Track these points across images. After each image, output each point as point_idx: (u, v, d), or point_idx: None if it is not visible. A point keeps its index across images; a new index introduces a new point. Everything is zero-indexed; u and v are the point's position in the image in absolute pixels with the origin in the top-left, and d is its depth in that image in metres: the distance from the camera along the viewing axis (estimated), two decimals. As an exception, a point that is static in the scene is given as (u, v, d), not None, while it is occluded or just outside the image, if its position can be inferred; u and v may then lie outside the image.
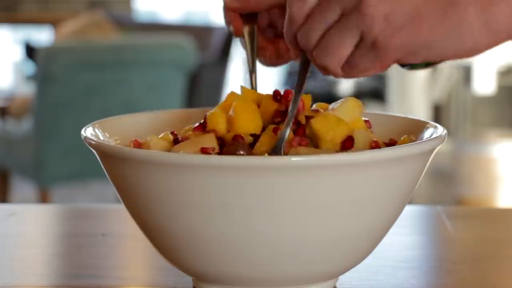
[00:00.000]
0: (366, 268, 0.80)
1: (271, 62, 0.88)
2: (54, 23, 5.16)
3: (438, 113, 4.87)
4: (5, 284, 0.81)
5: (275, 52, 0.87)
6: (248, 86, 0.82)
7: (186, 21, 6.02)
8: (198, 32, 4.22)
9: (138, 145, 0.76)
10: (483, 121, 5.09)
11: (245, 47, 0.86)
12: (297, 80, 0.72)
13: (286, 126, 0.71)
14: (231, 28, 0.86)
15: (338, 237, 0.69)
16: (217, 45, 4.12)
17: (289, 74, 5.29)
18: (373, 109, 4.77)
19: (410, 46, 0.64)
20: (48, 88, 3.20)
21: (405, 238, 0.95)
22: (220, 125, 0.74)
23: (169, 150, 0.73)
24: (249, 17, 0.86)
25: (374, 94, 4.85)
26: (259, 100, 0.77)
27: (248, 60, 0.86)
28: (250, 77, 0.85)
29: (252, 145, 0.73)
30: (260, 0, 0.84)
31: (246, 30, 0.86)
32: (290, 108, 0.72)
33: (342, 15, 0.65)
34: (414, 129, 0.79)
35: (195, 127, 0.76)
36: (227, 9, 0.85)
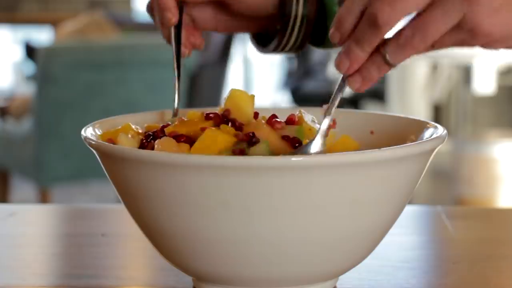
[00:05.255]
0: (366, 268, 0.80)
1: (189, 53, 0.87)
2: (54, 23, 5.16)
3: (438, 113, 4.87)
4: (5, 284, 0.81)
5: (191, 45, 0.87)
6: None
7: (186, 21, 6.00)
8: (198, 32, 4.21)
9: (111, 141, 0.76)
10: (483, 121, 5.09)
11: (173, 41, 0.85)
12: (333, 95, 0.70)
13: (320, 136, 0.71)
14: (168, 15, 0.83)
15: (338, 237, 0.69)
16: (217, 45, 4.12)
17: (289, 75, 5.29)
18: (373, 109, 4.77)
19: (504, 33, 0.64)
20: (48, 88, 3.20)
21: (405, 238, 0.95)
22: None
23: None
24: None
25: (374, 94, 4.85)
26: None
27: (174, 62, 0.85)
28: (177, 83, 0.84)
29: None
30: None
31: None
32: (323, 121, 0.71)
33: None
34: (414, 129, 0.79)
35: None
36: None
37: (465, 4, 0.63)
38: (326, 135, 0.71)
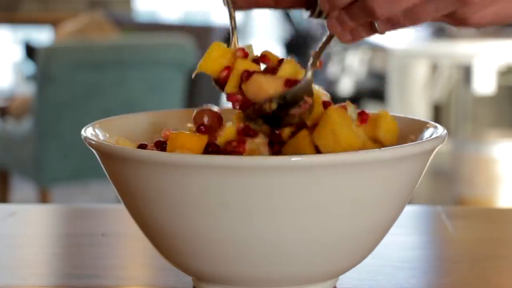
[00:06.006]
0: (366, 268, 0.80)
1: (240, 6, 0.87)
2: (54, 23, 5.16)
3: (438, 113, 4.87)
4: (5, 284, 0.81)
5: None
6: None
7: (186, 21, 6.02)
8: (198, 32, 4.22)
9: None
10: (483, 121, 5.09)
11: None
12: (320, 46, 0.74)
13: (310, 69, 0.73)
14: None
15: (338, 237, 0.69)
16: (217, 45, 4.11)
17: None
18: (373, 109, 4.77)
19: (493, 21, 0.67)
20: (48, 88, 3.20)
21: (405, 238, 0.95)
22: None
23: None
24: None
25: (374, 94, 4.85)
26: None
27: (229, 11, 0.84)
28: (232, 35, 0.82)
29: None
30: None
31: None
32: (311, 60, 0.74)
33: None
34: (414, 129, 0.79)
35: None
36: None
37: (459, 3, 0.66)
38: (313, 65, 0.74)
